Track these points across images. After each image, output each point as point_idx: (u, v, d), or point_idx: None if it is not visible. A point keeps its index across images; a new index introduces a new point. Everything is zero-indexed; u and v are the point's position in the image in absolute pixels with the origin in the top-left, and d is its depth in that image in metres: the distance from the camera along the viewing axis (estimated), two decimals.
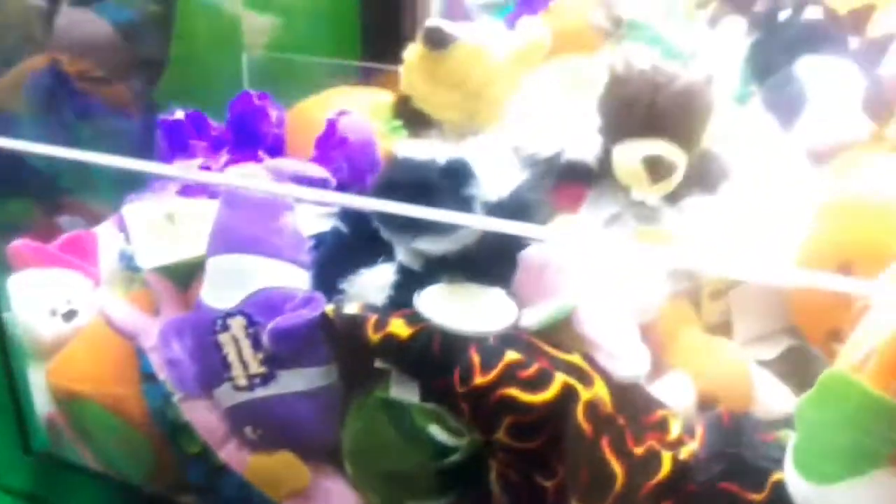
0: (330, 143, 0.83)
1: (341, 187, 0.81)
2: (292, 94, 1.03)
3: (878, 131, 0.99)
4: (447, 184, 0.58)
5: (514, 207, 0.59)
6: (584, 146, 0.77)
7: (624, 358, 0.58)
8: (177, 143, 0.91)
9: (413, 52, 0.91)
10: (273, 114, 0.93)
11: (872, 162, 0.92)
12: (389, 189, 0.60)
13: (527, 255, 0.61)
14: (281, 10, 1.60)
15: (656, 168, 0.73)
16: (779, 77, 1.04)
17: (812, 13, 1.26)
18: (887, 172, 0.68)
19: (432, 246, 0.58)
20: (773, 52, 1.11)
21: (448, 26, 0.88)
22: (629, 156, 0.74)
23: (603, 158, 0.77)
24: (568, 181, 0.79)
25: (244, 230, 0.64)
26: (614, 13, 1.57)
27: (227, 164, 0.89)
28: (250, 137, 0.90)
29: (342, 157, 0.83)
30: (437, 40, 0.88)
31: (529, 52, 0.90)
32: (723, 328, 0.75)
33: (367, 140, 0.85)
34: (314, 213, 0.68)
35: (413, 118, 0.94)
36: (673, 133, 0.73)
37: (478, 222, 0.55)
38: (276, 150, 0.93)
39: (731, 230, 0.73)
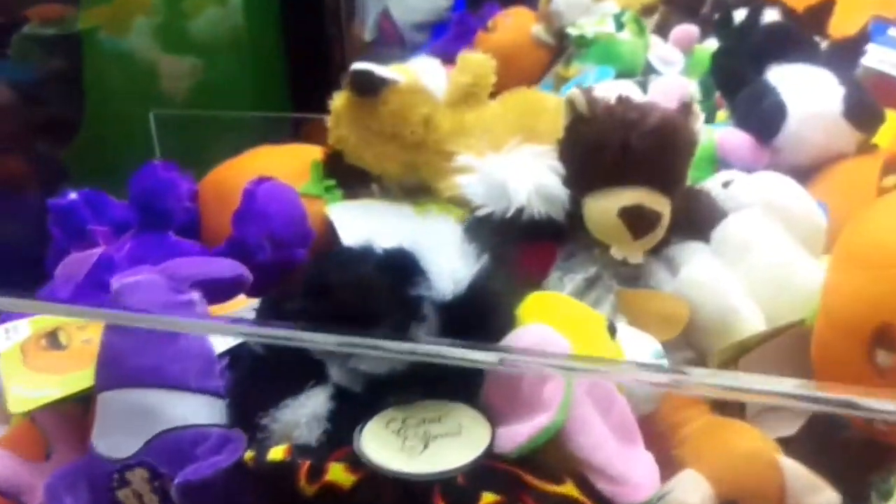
0: (248, 218, 0.71)
1: (264, 269, 0.68)
2: (213, 154, 0.90)
3: (863, 140, 0.90)
4: (388, 282, 0.45)
5: (473, 303, 0.46)
6: (549, 198, 0.65)
7: (630, 480, 0.46)
8: (72, 230, 0.77)
9: (341, 100, 0.79)
10: (183, 186, 0.79)
11: (865, 179, 0.82)
12: (318, 293, 0.48)
13: None
14: (200, 52, 1.47)
15: (637, 220, 0.62)
16: (751, 89, 0.94)
17: (770, 15, 1.16)
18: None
19: (374, 366, 0.46)
20: (739, 62, 1.01)
21: (378, 69, 0.76)
22: (604, 209, 0.62)
23: (573, 213, 0.65)
24: (533, 241, 0.67)
25: (138, 358, 0.50)
26: (556, 27, 1.47)
27: (131, 250, 0.76)
28: (158, 216, 0.77)
29: (263, 234, 0.70)
30: (368, 85, 0.76)
31: (474, 89, 0.78)
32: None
33: (292, 210, 0.73)
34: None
35: (348, 175, 0.82)
36: (652, 177, 0.62)
37: (427, 349, 0.42)
38: (190, 228, 0.80)
39: (729, 286, 0.61)
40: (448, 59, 1.63)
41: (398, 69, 0.78)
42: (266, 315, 0.51)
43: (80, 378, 0.55)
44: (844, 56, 0.99)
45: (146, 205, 0.77)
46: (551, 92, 1.20)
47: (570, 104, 0.64)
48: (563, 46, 1.38)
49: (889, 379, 0.50)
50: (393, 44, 1.85)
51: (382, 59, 0.78)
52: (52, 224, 0.78)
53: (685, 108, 0.65)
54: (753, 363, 0.60)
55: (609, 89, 0.66)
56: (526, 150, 0.67)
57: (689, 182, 0.81)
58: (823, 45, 1.05)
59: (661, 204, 0.62)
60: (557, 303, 0.57)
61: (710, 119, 1.12)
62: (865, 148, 0.91)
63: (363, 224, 0.75)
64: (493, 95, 1.09)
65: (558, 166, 0.66)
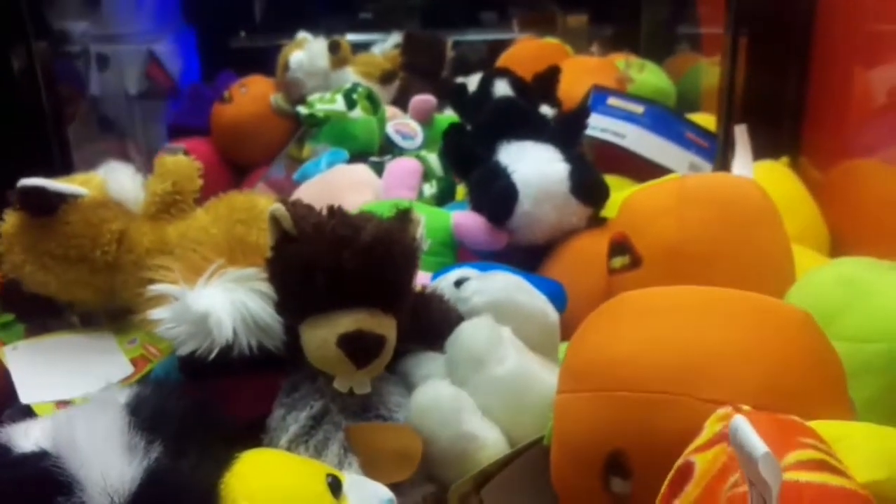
0: None
1: None
2: None
3: (592, 214, 0.91)
4: (38, 496, 0.35)
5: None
6: (260, 329, 0.57)
7: None
8: None
9: (12, 220, 0.66)
10: None
11: (596, 255, 0.82)
12: None
13: None
14: None
15: (358, 347, 0.55)
16: (483, 171, 0.92)
17: (501, 86, 1.17)
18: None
19: None
20: (469, 140, 0.99)
21: (52, 184, 0.64)
22: (321, 337, 0.55)
23: (290, 342, 0.58)
24: (250, 376, 0.59)
25: None
26: (296, 97, 1.39)
27: None
28: None
29: None
30: (41, 204, 0.64)
31: (175, 197, 0.69)
32: None
33: None
34: None
35: (30, 307, 0.68)
36: (371, 298, 0.56)
37: None
38: None
39: (463, 410, 0.56)
40: (186, 133, 1.51)
41: (80, 181, 0.67)
42: None
43: None
44: (568, 130, 1.01)
45: None
46: (283, 176, 1.13)
47: (275, 221, 0.57)
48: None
49: None
50: (165, 90, 1.71)
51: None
52: None
53: (402, 216, 0.60)
54: (495, 490, 0.55)
55: (318, 202, 0.59)
56: (230, 273, 0.58)
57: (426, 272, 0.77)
58: (550, 116, 1.06)
59: (384, 326, 0.56)
60: (271, 466, 0.48)
61: (450, 195, 1.10)
62: (594, 221, 0.92)
63: (48, 372, 0.62)
64: (238, 173, 0.96)
65: (269, 290, 0.58)
